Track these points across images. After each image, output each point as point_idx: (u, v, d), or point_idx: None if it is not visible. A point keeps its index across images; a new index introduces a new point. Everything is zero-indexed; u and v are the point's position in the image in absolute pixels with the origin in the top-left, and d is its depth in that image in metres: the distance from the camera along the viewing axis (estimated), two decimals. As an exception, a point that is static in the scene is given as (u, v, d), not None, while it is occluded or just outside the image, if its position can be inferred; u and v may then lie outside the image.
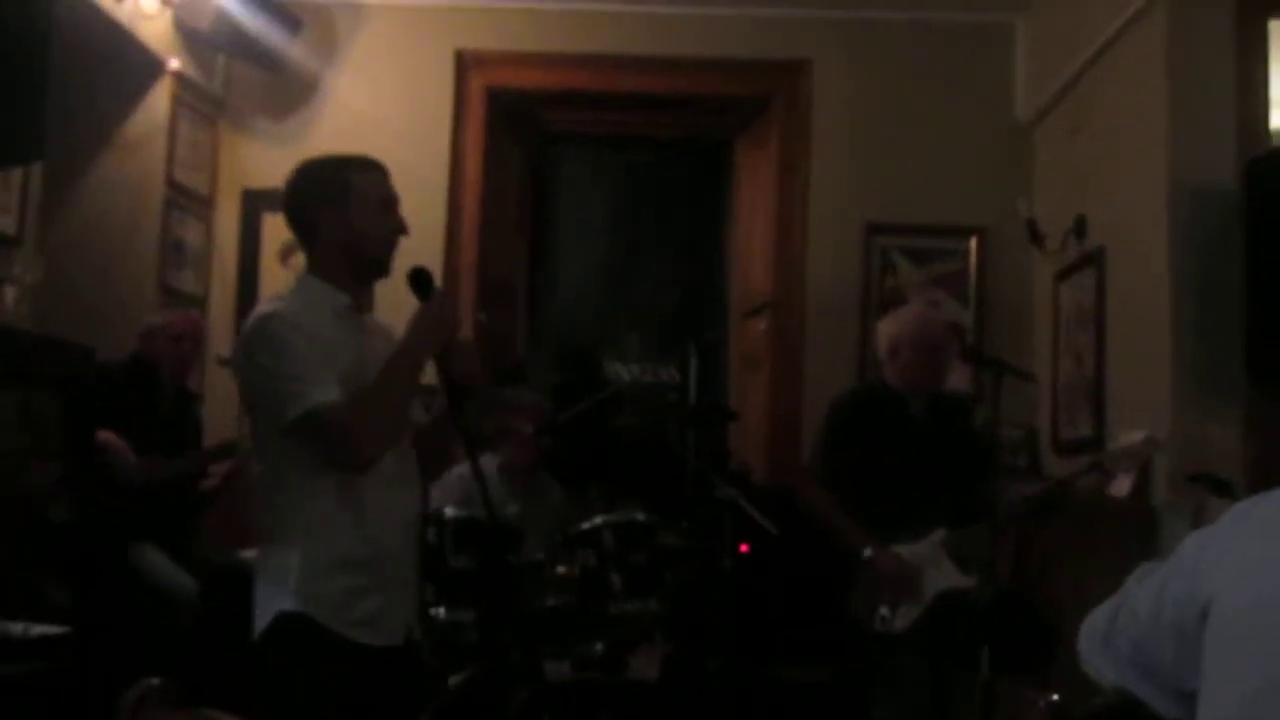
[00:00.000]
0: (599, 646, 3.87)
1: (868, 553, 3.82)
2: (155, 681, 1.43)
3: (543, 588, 3.85)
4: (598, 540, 3.89)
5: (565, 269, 6.66)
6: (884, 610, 3.84)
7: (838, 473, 4.02)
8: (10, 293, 4.25)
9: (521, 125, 6.22)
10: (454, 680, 3.68)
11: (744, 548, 4.34)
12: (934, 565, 3.88)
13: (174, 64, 5.25)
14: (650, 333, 6.54)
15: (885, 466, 3.98)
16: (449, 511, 3.84)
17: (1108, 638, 1.45)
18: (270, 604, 2.43)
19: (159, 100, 5.26)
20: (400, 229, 2.61)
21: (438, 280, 2.69)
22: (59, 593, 3.99)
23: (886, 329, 4.18)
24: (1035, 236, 5.23)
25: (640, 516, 3.99)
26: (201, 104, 5.55)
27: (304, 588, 2.41)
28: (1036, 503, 3.91)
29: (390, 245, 2.60)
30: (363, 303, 2.65)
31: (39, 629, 3.70)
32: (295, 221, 2.63)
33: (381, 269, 2.61)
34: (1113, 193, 4.63)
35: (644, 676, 4.10)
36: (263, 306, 2.56)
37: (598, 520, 3.95)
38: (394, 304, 2.75)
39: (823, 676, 4.57)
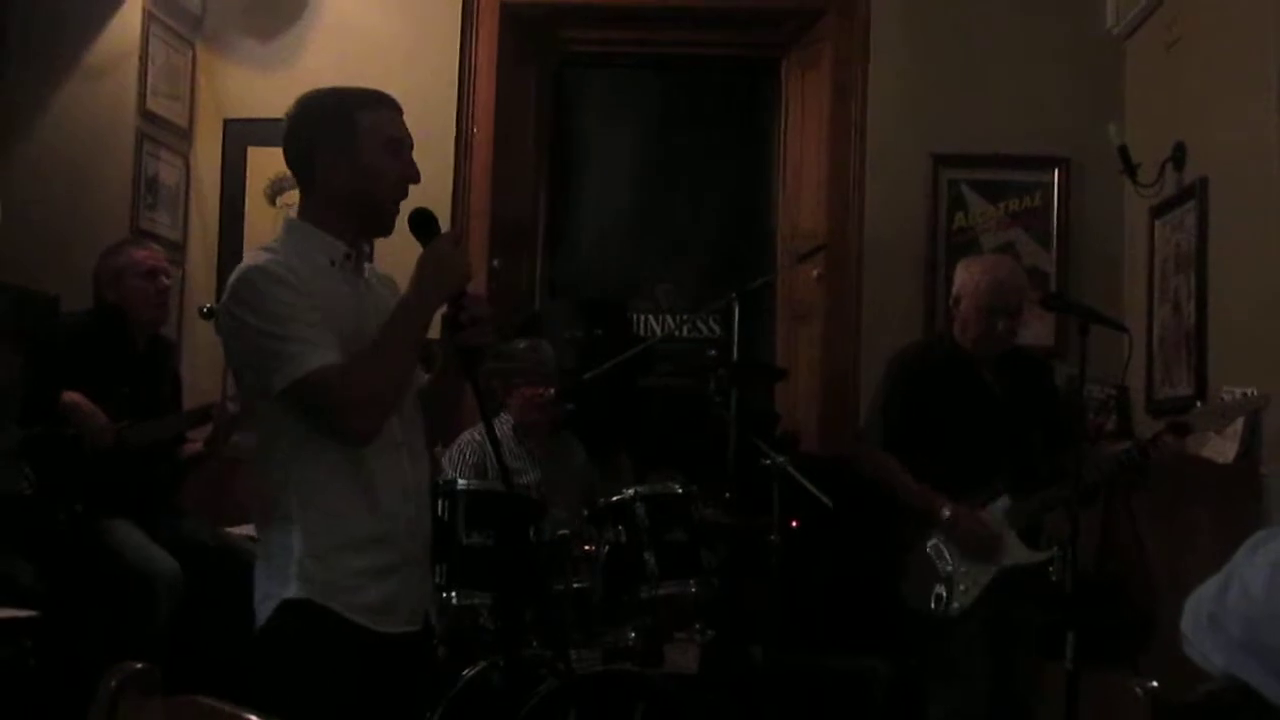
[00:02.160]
0: (631, 634, 3.88)
1: (946, 512, 3.85)
2: (137, 667, 1.44)
3: (568, 568, 3.87)
4: (629, 514, 3.90)
5: (589, 209, 6.63)
6: (939, 589, 3.85)
7: (897, 438, 4.01)
8: (-36, 237, 4.28)
9: (539, 44, 6.19)
10: (468, 672, 3.71)
11: (794, 523, 4.35)
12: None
13: (146, -23, 5.25)
14: (686, 280, 6.52)
15: (947, 432, 3.98)
16: (461, 483, 3.86)
17: (1215, 617, 1.44)
18: (273, 592, 2.42)
19: (129, 19, 5.26)
20: (410, 175, 2.58)
21: (444, 224, 2.66)
22: (24, 573, 4.04)
23: (957, 276, 4.16)
24: (1127, 167, 5.17)
25: (677, 488, 4.00)
26: (177, 23, 5.53)
27: (308, 572, 2.40)
28: (1109, 469, 3.89)
29: (398, 195, 2.56)
30: (362, 253, 2.62)
31: (3, 612, 3.75)
32: (292, 160, 2.61)
33: (385, 222, 2.58)
34: (1217, 116, 4.57)
35: (681, 668, 4.12)
36: (249, 257, 2.53)
37: (629, 492, 3.96)
38: (394, 264, 2.74)
39: (881, 667, 4.59)
